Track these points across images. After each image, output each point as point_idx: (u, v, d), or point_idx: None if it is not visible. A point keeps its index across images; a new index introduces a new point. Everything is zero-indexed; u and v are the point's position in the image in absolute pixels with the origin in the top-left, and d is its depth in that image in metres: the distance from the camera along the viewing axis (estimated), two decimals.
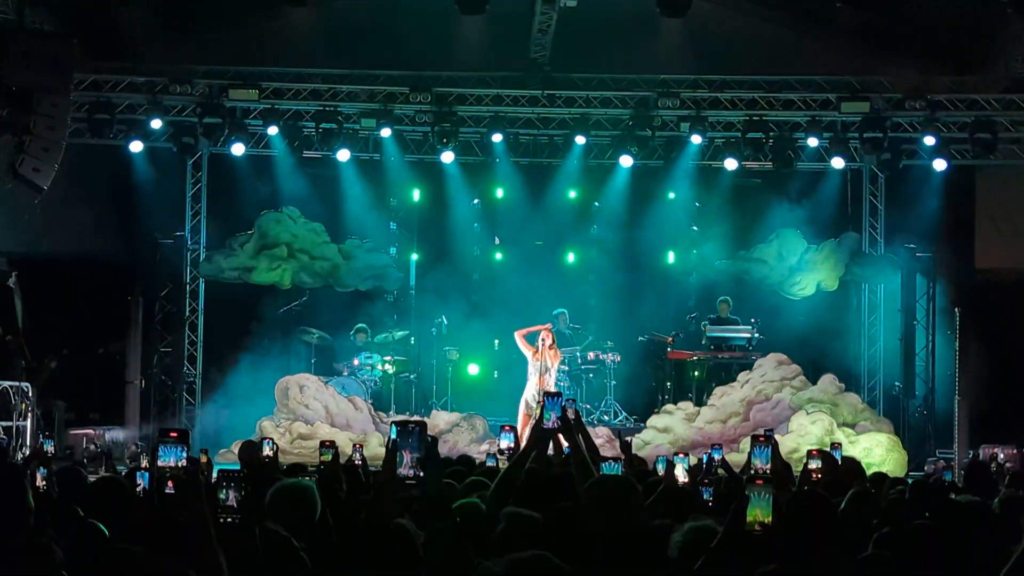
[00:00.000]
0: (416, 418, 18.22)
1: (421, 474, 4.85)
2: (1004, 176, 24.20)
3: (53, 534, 6.13)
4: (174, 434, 5.06)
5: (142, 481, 7.80)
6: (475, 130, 24.15)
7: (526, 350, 20.92)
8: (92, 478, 8.97)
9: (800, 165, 24.22)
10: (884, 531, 6.20)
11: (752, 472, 6.06)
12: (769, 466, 6.63)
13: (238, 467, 10.77)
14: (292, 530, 5.93)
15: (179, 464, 5.00)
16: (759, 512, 5.13)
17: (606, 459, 7.41)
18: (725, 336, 24.03)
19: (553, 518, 5.92)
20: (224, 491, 5.24)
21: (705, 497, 8.06)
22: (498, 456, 9.88)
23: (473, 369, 24.60)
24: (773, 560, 4.72)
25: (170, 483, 4.99)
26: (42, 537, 5.55)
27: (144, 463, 11.87)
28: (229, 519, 5.12)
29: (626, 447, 11.13)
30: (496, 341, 24.06)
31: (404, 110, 23.78)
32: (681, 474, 8.26)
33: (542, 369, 20.75)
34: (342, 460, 10.72)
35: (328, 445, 9.82)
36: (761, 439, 6.77)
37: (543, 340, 20.84)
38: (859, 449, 21.17)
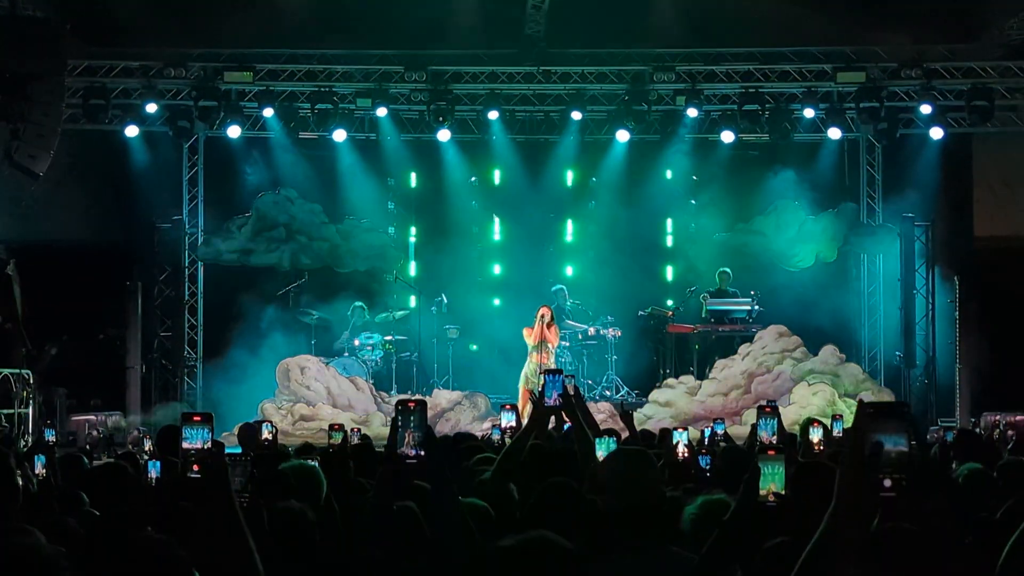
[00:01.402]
0: (417, 397, 18.25)
1: (422, 453, 4.84)
2: (1001, 143, 24.19)
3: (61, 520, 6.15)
4: (198, 417, 5.05)
5: (153, 471, 7.77)
6: (471, 108, 24.13)
7: (527, 334, 21.06)
8: (95, 464, 8.97)
9: (797, 136, 24.19)
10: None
11: (761, 443, 6.04)
12: (776, 437, 6.63)
13: (239, 450, 10.79)
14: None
15: (204, 446, 4.99)
16: (772, 483, 5.12)
17: (601, 434, 7.40)
18: (725, 309, 24.01)
19: (549, 493, 5.92)
20: (231, 474, 5.21)
21: (703, 465, 8.07)
22: (501, 433, 9.93)
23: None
24: (782, 532, 4.72)
25: (195, 467, 4.98)
26: (24, 524, 5.53)
27: (148, 446, 11.89)
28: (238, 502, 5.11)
29: (627, 418, 11.10)
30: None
31: (399, 89, 23.77)
32: (681, 448, 8.28)
33: (540, 347, 20.83)
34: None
35: (337, 428, 9.85)
36: (767, 410, 6.77)
37: (541, 317, 20.93)
38: None
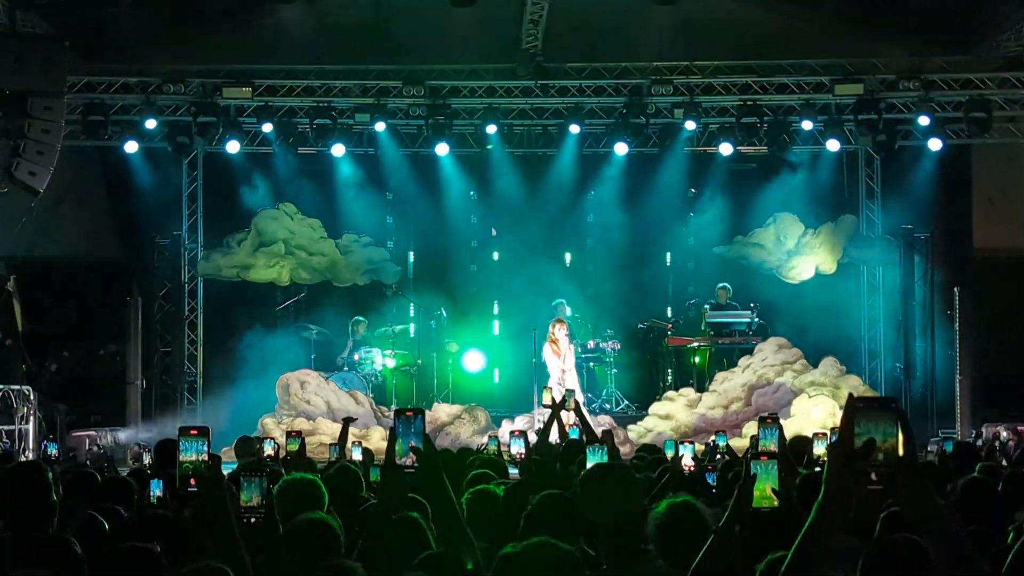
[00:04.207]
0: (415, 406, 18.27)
1: (418, 460, 4.85)
2: (999, 154, 24.22)
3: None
4: (194, 431, 5.08)
5: (157, 490, 7.77)
6: (469, 122, 24.16)
7: (550, 355, 21.01)
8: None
9: (795, 148, 24.21)
10: (890, 511, 6.19)
11: (757, 449, 6.03)
12: (777, 448, 6.61)
13: (235, 464, 10.82)
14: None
15: (200, 458, 5.01)
16: (767, 488, 5.12)
17: (594, 441, 7.42)
18: (725, 321, 24.00)
19: (544, 505, 5.93)
20: (246, 492, 5.21)
21: (710, 483, 8.07)
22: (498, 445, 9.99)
23: (474, 363, 24.59)
24: (781, 545, 4.71)
25: (192, 480, 5.01)
26: (63, 534, 5.57)
27: (148, 460, 11.90)
28: (252, 519, 5.10)
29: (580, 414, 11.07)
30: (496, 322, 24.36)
31: (398, 104, 23.80)
32: (687, 460, 8.28)
33: (563, 360, 20.82)
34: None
35: (295, 435, 9.94)
36: (768, 420, 6.76)
37: (566, 335, 20.91)
38: None
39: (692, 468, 8.24)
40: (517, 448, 9.67)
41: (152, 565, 5.22)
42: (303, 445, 9.88)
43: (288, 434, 10.09)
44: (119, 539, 6.17)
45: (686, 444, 8.62)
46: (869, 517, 5.92)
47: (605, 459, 6.89)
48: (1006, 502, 7.32)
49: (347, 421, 11.60)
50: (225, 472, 5.48)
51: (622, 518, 5.27)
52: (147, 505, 7.55)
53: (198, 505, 4.87)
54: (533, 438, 10.40)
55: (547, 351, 21.24)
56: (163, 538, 5.86)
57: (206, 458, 5.00)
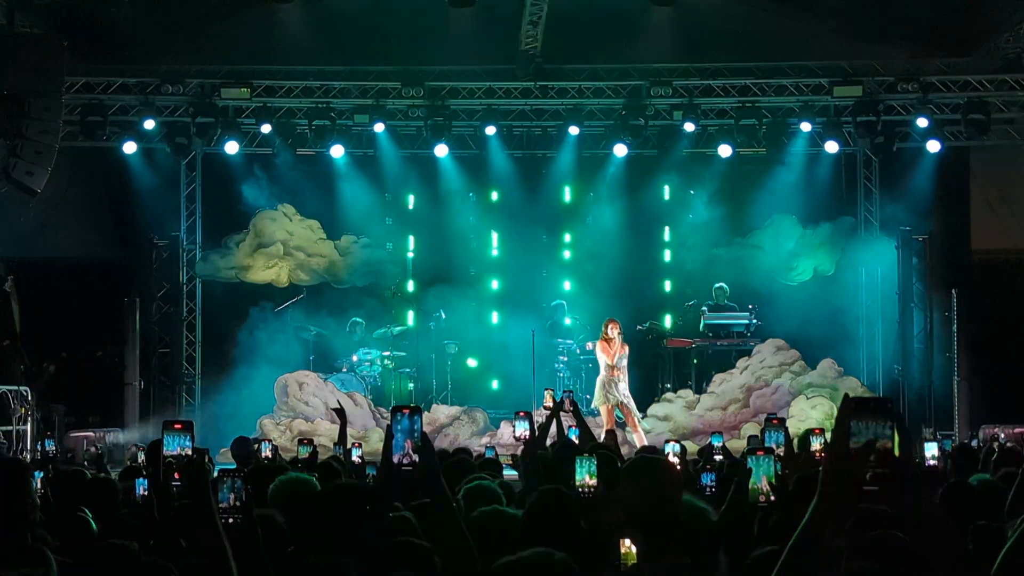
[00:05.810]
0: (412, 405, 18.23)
1: (416, 459, 4.84)
2: (998, 156, 24.22)
3: (47, 536, 6.14)
4: (179, 425, 5.08)
5: (142, 489, 7.77)
6: (468, 123, 24.15)
7: (602, 352, 20.65)
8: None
9: (794, 150, 24.20)
10: (882, 509, 6.18)
11: (753, 445, 6.03)
12: (783, 449, 6.60)
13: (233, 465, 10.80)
14: (295, 523, 5.91)
15: (184, 452, 5.02)
16: (762, 483, 5.11)
17: (583, 453, 7.35)
18: (723, 323, 23.99)
19: (543, 501, 5.90)
20: (224, 491, 5.20)
21: (705, 482, 8.04)
22: (515, 439, 9.98)
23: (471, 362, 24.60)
24: (775, 540, 4.71)
25: (175, 475, 5.01)
26: (37, 543, 5.52)
27: (141, 458, 11.89)
28: (230, 519, 5.09)
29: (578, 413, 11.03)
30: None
31: (397, 105, 23.80)
32: (672, 459, 8.27)
33: (617, 361, 20.58)
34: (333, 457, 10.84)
35: (306, 442, 9.95)
36: (774, 422, 6.76)
37: (619, 333, 20.57)
38: None
39: (680, 467, 8.24)
40: (521, 429, 9.60)
41: (129, 562, 5.22)
42: (315, 452, 9.88)
43: (300, 441, 10.09)
44: (100, 538, 6.16)
45: (671, 443, 8.63)
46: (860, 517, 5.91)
47: (594, 471, 6.73)
48: (1000, 505, 7.32)
49: (340, 414, 11.58)
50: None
51: (659, 513, 5.22)
52: (131, 503, 7.55)
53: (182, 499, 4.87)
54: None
55: (598, 349, 20.93)
56: (145, 535, 5.85)
57: (190, 452, 5.00)
